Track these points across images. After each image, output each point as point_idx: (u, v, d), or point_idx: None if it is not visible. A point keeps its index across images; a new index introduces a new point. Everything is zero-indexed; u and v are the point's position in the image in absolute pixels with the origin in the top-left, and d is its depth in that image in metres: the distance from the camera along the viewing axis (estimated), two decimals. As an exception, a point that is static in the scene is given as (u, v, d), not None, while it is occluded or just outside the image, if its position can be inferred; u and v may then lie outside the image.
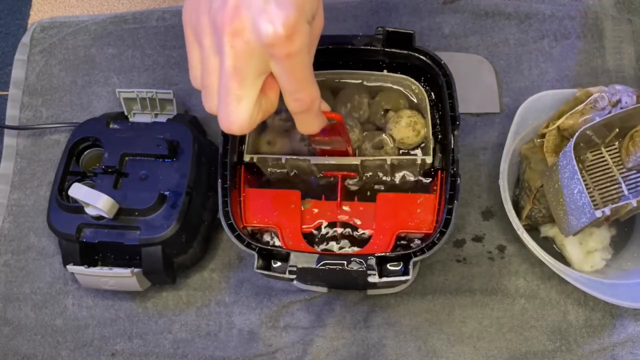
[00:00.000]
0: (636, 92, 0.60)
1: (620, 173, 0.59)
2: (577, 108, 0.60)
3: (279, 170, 0.57)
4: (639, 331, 0.62)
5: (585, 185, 0.59)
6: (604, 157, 0.60)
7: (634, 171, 0.59)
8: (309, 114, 0.42)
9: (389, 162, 0.54)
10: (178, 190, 0.60)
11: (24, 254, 0.69)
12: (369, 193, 0.56)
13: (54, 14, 0.81)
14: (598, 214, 0.52)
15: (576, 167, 0.53)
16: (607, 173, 0.60)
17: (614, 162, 0.60)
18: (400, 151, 0.57)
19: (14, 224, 0.70)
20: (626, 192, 0.58)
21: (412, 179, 0.56)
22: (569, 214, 0.56)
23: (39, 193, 0.71)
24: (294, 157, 0.55)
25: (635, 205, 0.54)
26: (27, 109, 0.75)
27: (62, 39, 0.77)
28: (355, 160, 0.54)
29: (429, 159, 0.54)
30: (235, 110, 0.39)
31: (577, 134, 0.56)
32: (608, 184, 0.59)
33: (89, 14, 0.80)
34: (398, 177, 0.56)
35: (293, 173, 0.56)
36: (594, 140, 0.59)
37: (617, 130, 0.58)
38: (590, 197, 0.59)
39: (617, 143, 0.60)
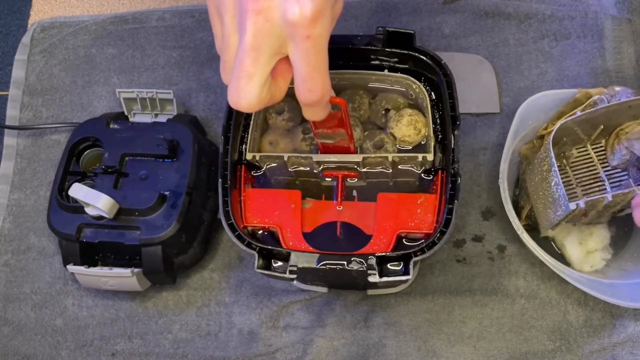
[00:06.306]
0: (635, 94, 0.60)
1: (605, 171, 0.59)
2: (576, 110, 0.60)
3: (281, 175, 0.57)
4: (639, 331, 0.62)
5: (569, 181, 0.59)
6: (589, 154, 0.60)
7: (619, 169, 0.59)
8: (318, 106, 0.42)
9: (390, 159, 0.54)
10: (178, 190, 0.60)
11: (24, 254, 0.69)
12: (369, 193, 0.56)
13: (54, 14, 0.81)
14: (572, 206, 0.52)
15: (554, 160, 0.53)
16: (591, 170, 0.60)
17: (599, 160, 0.60)
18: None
19: (14, 224, 0.70)
20: (609, 190, 0.58)
21: (412, 177, 0.56)
22: (547, 207, 0.56)
23: (39, 193, 0.71)
24: (296, 154, 0.55)
25: (610, 199, 0.53)
26: (27, 109, 0.74)
27: (62, 39, 0.77)
28: (357, 158, 0.54)
29: (430, 157, 0.54)
30: (246, 87, 0.39)
31: (557, 126, 0.56)
32: (591, 181, 0.59)
33: (89, 14, 0.80)
34: (399, 175, 0.56)
35: (294, 172, 0.56)
36: (579, 136, 0.59)
37: (602, 127, 0.58)
38: (573, 193, 0.59)
39: (603, 141, 0.60)
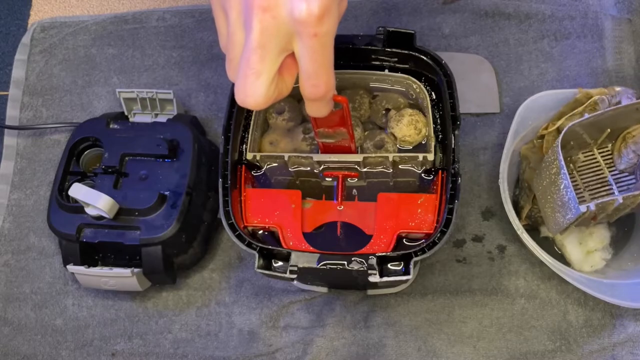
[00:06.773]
0: (636, 94, 0.60)
1: (612, 175, 0.59)
2: (576, 110, 0.60)
3: (281, 175, 0.57)
4: (639, 331, 0.62)
5: (576, 185, 0.59)
6: (595, 158, 0.60)
7: (626, 173, 0.59)
8: (322, 102, 0.42)
9: (390, 159, 0.54)
10: (178, 190, 0.60)
11: (24, 254, 0.69)
12: (369, 193, 0.56)
13: (54, 14, 0.81)
14: (582, 208, 0.52)
15: (563, 162, 0.53)
16: (599, 174, 0.60)
17: (605, 164, 0.60)
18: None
19: (14, 224, 0.70)
20: (617, 194, 0.58)
21: (413, 177, 0.56)
22: (556, 210, 0.56)
23: (39, 193, 0.71)
24: (296, 154, 0.55)
25: (621, 201, 0.53)
26: (27, 109, 0.74)
27: (62, 39, 0.77)
28: (357, 157, 0.54)
29: (430, 156, 0.54)
30: (253, 85, 0.39)
31: (565, 129, 0.55)
32: (599, 185, 0.59)
33: (89, 14, 0.80)
34: (399, 175, 0.56)
35: (294, 171, 0.56)
36: (586, 141, 0.59)
37: (609, 130, 0.58)
38: (580, 197, 0.59)
39: (610, 145, 0.60)
